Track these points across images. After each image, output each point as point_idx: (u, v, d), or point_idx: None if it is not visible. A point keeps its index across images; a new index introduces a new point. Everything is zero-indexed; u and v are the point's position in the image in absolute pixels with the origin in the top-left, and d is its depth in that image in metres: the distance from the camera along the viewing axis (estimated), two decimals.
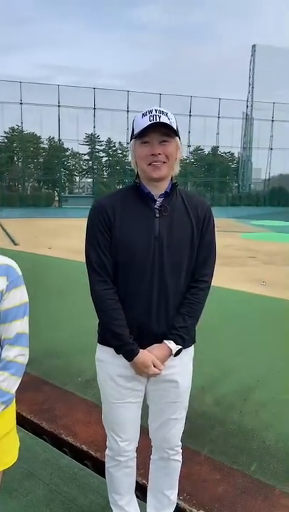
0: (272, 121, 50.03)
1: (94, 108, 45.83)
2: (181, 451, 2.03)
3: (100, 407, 1.98)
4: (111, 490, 2.06)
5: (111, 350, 1.80)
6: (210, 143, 51.64)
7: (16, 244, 15.85)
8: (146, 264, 1.72)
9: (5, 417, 1.56)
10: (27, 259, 10.32)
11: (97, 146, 51.62)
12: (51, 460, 2.69)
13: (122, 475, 1.99)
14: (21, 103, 43.24)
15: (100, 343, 1.89)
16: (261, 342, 5.03)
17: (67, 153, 51.45)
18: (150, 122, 1.63)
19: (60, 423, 3.19)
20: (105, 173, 53.56)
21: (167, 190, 1.76)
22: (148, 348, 1.76)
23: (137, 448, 1.99)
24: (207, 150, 53.57)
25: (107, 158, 52.93)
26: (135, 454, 2.00)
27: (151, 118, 1.64)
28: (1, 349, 1.47)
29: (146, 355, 1.74)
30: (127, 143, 45.06)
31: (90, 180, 53.81)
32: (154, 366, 1.74)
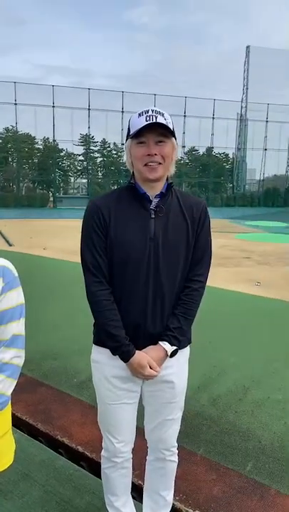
0: (267, 122, 50.15)
1: (88, 109, 45.71)
2: (177, 451, 2.03)
3: (96, 408, 1.98)
4: (107, 491, 2.05)
5: (107, 351, 1.79)
6: (205, 144, 51.69)
7: (10, 245, 15.79)
8: (141, 264, 1.71)
9: (0, 419, 1.55)
10: (22, 260, 10.29)
11: (91, 147, 51.50)
12: (47, 461, 2.68)
13: (117, 476, 1.99)
14: (16, 103, 43.06)
15: (95, 344, 1.88)
16: (256, 342, 5.05)
17: (61, 154, 51.29)
18: (147, 122, 1.62)
19: (56, 424, 3.18)
20: (100, 174, 53.45)
21: (163, 191, 1.76)
22: (143, 349, 1.76)
23: (132, 449, 1.99)
24: (202, 151, 53.57)
25: (101, 158, 52.84)
26: (131, 455, 2.00)
27: (148, 118, 1.63)
28: None
29: (142, 356, 1.74)
30: (122, 143, 45.24)
31: (84, 180, 53.66)
32: (151, 367, 1.74)
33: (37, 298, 6.33)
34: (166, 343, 1.76)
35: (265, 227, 26.35)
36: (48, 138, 48.20)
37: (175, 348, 1.77)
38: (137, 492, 2.28)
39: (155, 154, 1.66)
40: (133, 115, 1.71)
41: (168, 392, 1.87)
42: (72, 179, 56.03)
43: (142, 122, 1.63)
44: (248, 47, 49.11)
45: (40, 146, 50.15)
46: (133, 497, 2.15)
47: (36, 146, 50.15)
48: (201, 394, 3.65)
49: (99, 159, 53.04)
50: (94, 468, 2.63)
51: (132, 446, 1.98)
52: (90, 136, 50.16)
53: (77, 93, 44.64)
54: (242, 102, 50.14)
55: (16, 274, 1.46)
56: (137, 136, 1.65)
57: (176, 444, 2.02)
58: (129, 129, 1.71)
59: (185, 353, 1.91)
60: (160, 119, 1.63)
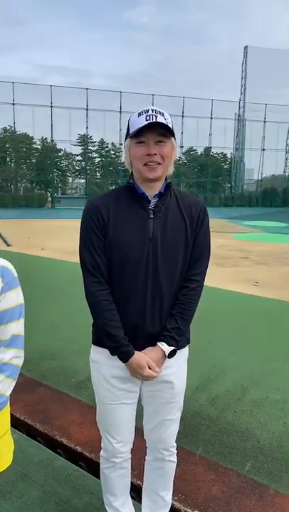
0: (265, 122, 50.27)
1: (86, 109, 45.73)
2: (176, 451, 2.03)
3: (95, 408, 1.97)
4: (106, 491, 2.05)
5: (105, 351, 1.79)
6: (203, 144, 51.78)
7: (8, 245, 15.77)
8: (140, 265, 1.71)
9: None
10: (20, 260, 10.27)
11: (89, 147, 51.49)
12: (45, 461, 2.68)
13: (116, 476, 1.98)
14: (14, 103, 43.03)
15: (94, 344, 1.88)
16: (255, 342, 5.05)
17: (59, 154, 51.28)
18: (147, 122, 1.60)
19: (55, 424, 3.17)
20: (98, 174, 53.44)
21: (161, 191, 1.75)
22: (142, 351, 1.75)
23: (131, 449, 1.98)
24: (200, 151, 53.67)
25: (99, 158, 52.83)
26: (130, 455, 1.99)
27: (148, 117, 1.62)
28: None
29: (141, 356, 1.73)
30: (120, 144, 45.23)
31: (82, 180, 53.66)
32: (150, 368, 1.74)
33: (35, 298, 6.33)
34: (164, 343, 1.75)
35: (263, 227, 26.39)
36: (46, 138, 48.23)
37: (173, 348, 1.77)
38: (136, 492, 2.28)
39: (155, 154, 1.65)
40: (133, 114, 1.70)
41: (167, 392, 1.86)
42: (70, 179, 56.00)
43: (142, 122, 1.61)
44: (246, 47, 49.20)
45: (38, 146, 50.12)
46: (132, 497, 2.15)
47: (34, 146, 50.13)
48: (200, 394, 3.65)
49: (97, 159, 53.03)
50: (93, 468, 2.63)
51: (131, 446, 1.98)
52: (88, 136, 50.18)
53: (75, 93, 44.68)
54: (240, 102, 50.23)
55: (16, 275, 1.46)
56: (137, 135, 1.64)
57: (175, 444, 2.02)
58: (128, 128, 1.70)
59: (184, 353, 1.91)
60: (160, 119, 1.62)
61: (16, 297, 1.44)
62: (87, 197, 41.31)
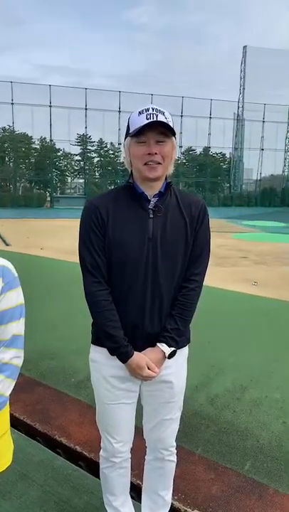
0: (264, 122, 50.29)
1: (85, 108, 45.70)
2: (175, 451, 2.03)
3: (94, 408, 1.97)
4: (105, 491, 2.05)
5: (105, 350, 1.78)
6: (201, 143, 51.76)
7: (7, 244, 15.75)
8: (139, 264, 1.70)
9: None
10: (19, 259, 10.23)
11: (88, 147, 51.45)
12: (45, 461, 2.68)
13: (116, 476, 1.98)
14: (13, 103, 42.99)
15: (93, 343, 1.87)
16: (254, 342, 5.05)
17: (58, 154, 51.24)
18: (147, 121, 1.59)
19: (54, 424, 3.17)
20: (97, 174, 53.41)
21: (161, 190, 1.74)
22: (142, 352, 1.75)
23: (131, 449, 1.98)
24: (199, 150, 53.65)
25: (98, 158, 52.80)
26: (130, 455, 1.99)
27: (148, 116, 1.60)
28: None
29: (140, 357, 1.73)
30: (119, 143, 45.23)
31: (81, 180, 53.60)
32: (149, 368, 1.74)
33: (34, 298, 6.32)
34: (164, 344, 1.75)
35: (262, 227, 26.39)
36: (44, 138, 48.19)
37: (173, 349, 1.77)
38: (136, 492, 2.28)
39: (155, 153, 1.63)
40: (133, 113, 1.68)
41: (166, 392, 1.86)
42: (69, 179, 55.93)
43: (143, 121, 1.60)
44: (245, 47, 49.21)
45: (37, 146, 50.07)
46: (132, 497, 2.15)
47: (33, 145, 50.08)
48: (200, 393, 3.65)
49: (96, 159, 53.00)
50: (92, 468, 2.63)
51: (131, 445, 1.98)
52: (87, 136, 50.13)
53: (74, 93, 44.66)
54: (239, 102, 50.25)
55: (16, 274, 1.46)
56: (137, 134, 1.62)
57: (175, 444, 2.01)
58: (128, 127, 1.68)
59: (184, 352, 1.90)
60: (161, 118, 1.60)
61: (16, 297, 1.44)
62: (86, 197, 41.32)
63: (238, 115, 50.55)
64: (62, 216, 30.84)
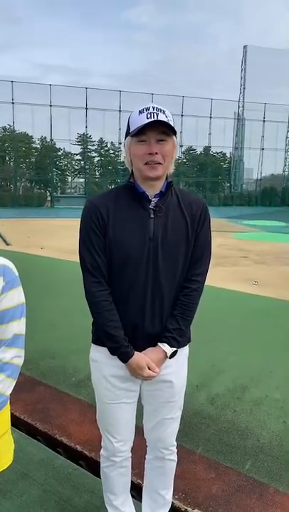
0: (264, 121, 50.29)
1: (86, 108, 45.74)
2: (176, 450, 2.03)
3: (94, 407, 1.97)
4: (106, 490, 2.05)
5: (105, 350, 1.78)
6: (202, 143, 51.81)
7: (8, 244, 15.77)
8: (140, 265, 1.69)
9: None
10: (19, 259, 10.23)
11: (89, 146, 51.48)
12: (45, 460, 2.68)
13: (116, 475, 1.98)
14: (13, 102, 43.02)
15: (94, 343, 1.87)
16: (254, 341, 5.05)
17: (59, 153, 51.27)
18: (148, 120, 1.57)
19: (55, 423, 3.17)
20: (97, 173, 53.43)
21: (162, 190, 1.73)
22: (143, 352, 1.75)
23: (132, 448, 1.98)
24: (199, 150, 53.70)
25: (99, 158, 52.81)
26: (130, 454, 1.99)
27: (149, 115, 1.58)
28: None
29: (140, 357, 1.73)
30: (119, 143, 45.20)
31: (82, 180, 53.64)
32: (149, 368, 1.73)
33: (34, 297, 6.32)
34: (166, 344, 1.75)
35: (262, 227, 26.39)
36: (45, 137, 48.26)
37: (174, 349, 1.77)
38: (136, 491, 2.28)
39: (156, 153, 1.62)
40: (133, 112, 1.67)
41: (166, 392, 1.86)
42: (69, 178, 55.99)
43: (143, 120, 1.58)
44: (245, 46, 49.22)
45: (38, 146, 50.15)
46: (132, 496, 2.15)
47: (33, 145, 50.15)
48: (200, 393, 3.65)
49: (96, 159, 53.04)
50: (93, 467, 2.63)
51: (131, 445, 1.98)
52: (88, 136, 50.16)
53: (74, 92, 44.67)
54: (239, 101, 50.24)
55: (17, 274, 1.46)
56: (138, 134, 1.61)
57: (176, 443, 2.01)
58: (128, 126, 1.67)
59: (184, 352, 1.90)
60: (161, 117, 1.59)
61: (17, 296, 1.44)
62: (87, 196, 41.32)
63: (238, 115, 50.57)
64: (63, 216, 30.87)
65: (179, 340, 1.78)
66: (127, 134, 1.68)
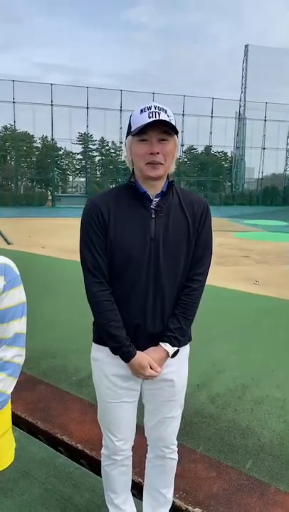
0: (265, 120, 50.24)
1: (87, 107, 45.73)
2: (176, 449, 2.03)
3: (95, 406, 1.98)
4: (107, 488, 2.06)
5: (106, 349, 1.78)
6: (203, 142, 51.78)
7: (9, 243, 15.76)
8: (142, 265, 1.69)
9: (0, 418, 1.55)
10: (20, 258, 10.24)
11: (90, 146, 51.48)
12: (47, 459, 2.69)
13: (117, 473, 1.99)
14: (14, 102, 43.03)
15: (95, 342, 1.87)
16: (255, 340, 5.05)
17: (60, 153, 51.26)
18: (150, 120, 1.56)
19: (56, 422, 3.18)
20: (98, 173, 53.43)
21: (163, 190, 1.72)
22: (144, 351, 1.75)
23: (132, 447, 1.99)
24: (200, 149, 53.65)
25: (100, 157, 52.80)
26: (131, 453, 2.00)
27: (151, 115, 1.57)
28: None
29: (142, 356, 1.73)
30: (120, 142, 45.22)
31: (83, 179, 53.67)
32: (151, 368, 1.74)
33: (35, 296, 6.32)
34: (168, 344, 1.75)
35: (263, 226, 26.34)
36: (46, 136, 48.28)
37: (176, 348, 1.77)
38: (137, 489, 2.29)
39: (157, 153, 1.61)
40: (134, 111, 1.65)
41: (167, 391, 1.86)
42: (70, 178, 56.03)
43: (145, 119, 1.57)
44: (246, 46, 49.13)
45: (39, 145, 50.14)
46: (133, 494, 2.16)
47: (34, 144, 50.13)
48: (201, 392, 3.65)
49: (97, 158, 53.02)
50: (94, 465, 2.63)
51: (132, 444, 1.98)
52: (89, 135, 50.15)
53: (75, 91, 44.68)
54: (240, 100, 50.18)
55: (18, 273, 1.46)
56: (139, 133, 1.60)
57: (176, 442, 2.02)
58: (130, 125, 1.66)
59: (185, 351, 1.90)
60: (163, 116, 1.58)
61: (18, 295, 1.44)
62: (88, 195, 41.35)
63: (239, 114, 50.50)
64: (64, 215, 30.85)
65: (180, 339, 1.78)
66: (128, 133, 1.67)
